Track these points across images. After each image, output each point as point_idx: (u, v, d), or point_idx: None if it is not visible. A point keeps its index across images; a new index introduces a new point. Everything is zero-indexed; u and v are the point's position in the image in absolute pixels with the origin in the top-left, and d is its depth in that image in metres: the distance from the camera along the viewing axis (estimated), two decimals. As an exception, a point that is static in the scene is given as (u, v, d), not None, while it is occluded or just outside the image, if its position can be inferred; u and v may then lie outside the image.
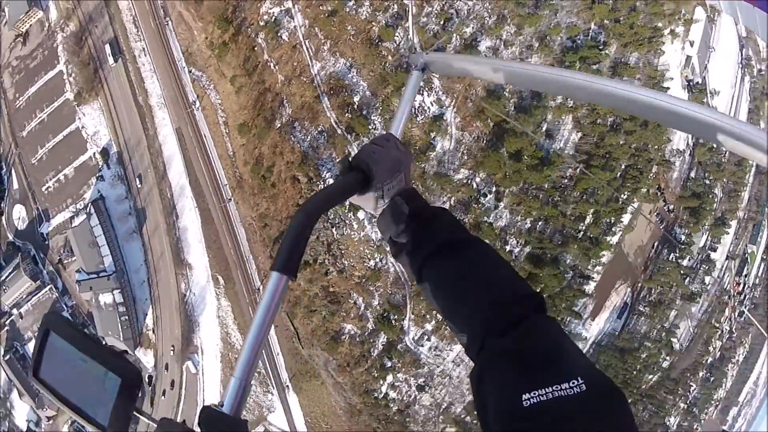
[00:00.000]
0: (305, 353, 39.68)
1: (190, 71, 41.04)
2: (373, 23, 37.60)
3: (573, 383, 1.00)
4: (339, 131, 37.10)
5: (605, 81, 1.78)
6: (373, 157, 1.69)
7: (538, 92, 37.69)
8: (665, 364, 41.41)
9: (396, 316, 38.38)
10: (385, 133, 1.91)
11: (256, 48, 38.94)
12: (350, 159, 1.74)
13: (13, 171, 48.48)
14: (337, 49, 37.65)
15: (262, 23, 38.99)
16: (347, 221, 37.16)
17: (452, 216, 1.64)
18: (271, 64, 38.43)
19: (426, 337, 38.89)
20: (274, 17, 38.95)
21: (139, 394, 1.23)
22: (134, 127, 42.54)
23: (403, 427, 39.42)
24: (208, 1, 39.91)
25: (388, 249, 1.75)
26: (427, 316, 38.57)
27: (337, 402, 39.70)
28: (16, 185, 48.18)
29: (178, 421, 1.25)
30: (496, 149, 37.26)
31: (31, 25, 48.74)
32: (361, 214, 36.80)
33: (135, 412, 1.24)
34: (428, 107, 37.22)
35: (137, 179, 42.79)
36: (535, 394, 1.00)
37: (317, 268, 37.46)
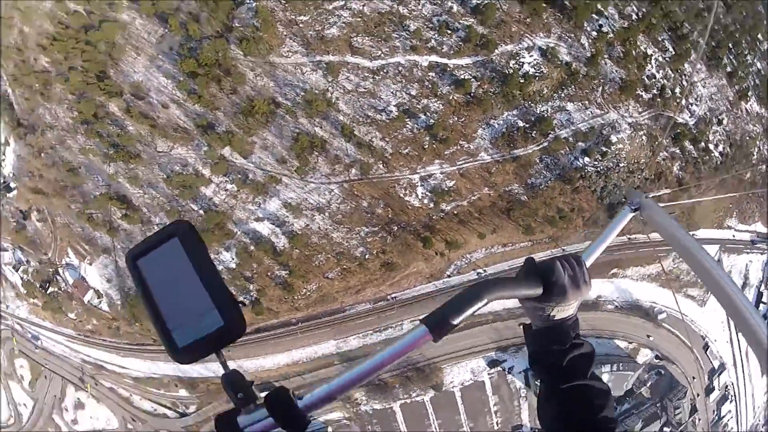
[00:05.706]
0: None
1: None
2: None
3: None
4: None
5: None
6: (560, 279, 1.66)
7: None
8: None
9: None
10: (577, 255, 1.83)
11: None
12: (536, 264, 1.70)
13: None
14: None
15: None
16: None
17: (593, 357, 1.77)
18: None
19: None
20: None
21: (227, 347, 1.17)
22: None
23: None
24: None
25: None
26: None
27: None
28: None
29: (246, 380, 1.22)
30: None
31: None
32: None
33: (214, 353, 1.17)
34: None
35: None
36: None
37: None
